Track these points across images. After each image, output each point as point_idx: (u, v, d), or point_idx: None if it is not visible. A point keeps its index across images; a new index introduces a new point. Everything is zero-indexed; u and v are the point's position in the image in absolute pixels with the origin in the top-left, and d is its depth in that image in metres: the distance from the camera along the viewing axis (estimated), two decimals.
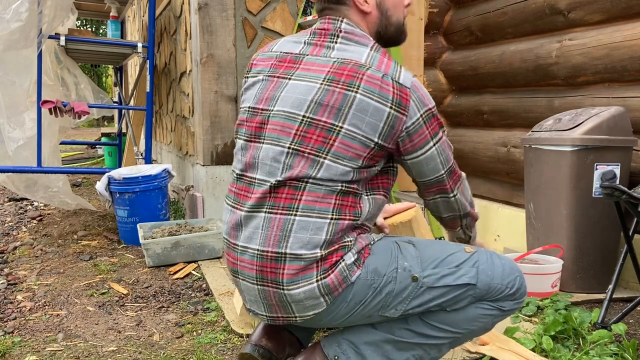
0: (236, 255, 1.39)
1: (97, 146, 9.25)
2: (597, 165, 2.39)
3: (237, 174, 1.44)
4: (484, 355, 1.81)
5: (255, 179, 1.37)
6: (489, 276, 1.38)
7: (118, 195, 3.43)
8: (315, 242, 1.30)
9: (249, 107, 1.44)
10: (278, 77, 1.41)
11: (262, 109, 1.40)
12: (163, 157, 5.58)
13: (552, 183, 2.48)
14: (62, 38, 3.85)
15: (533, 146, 2.58)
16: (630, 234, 2.15)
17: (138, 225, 3.24)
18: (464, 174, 1.57)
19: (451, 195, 1.51)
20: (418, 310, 1.37)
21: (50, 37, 3.73)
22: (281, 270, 1.31)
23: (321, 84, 1.34)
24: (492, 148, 3.40)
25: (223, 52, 3.51)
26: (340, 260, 1.32)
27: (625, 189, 1.99)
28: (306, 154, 1.32)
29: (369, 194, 1.41)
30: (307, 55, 1.41)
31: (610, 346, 1.85)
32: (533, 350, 1.85)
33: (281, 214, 1.32)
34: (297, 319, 1.37)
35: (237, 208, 1.41)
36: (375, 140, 1.33)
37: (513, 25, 3.22)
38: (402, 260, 1.37)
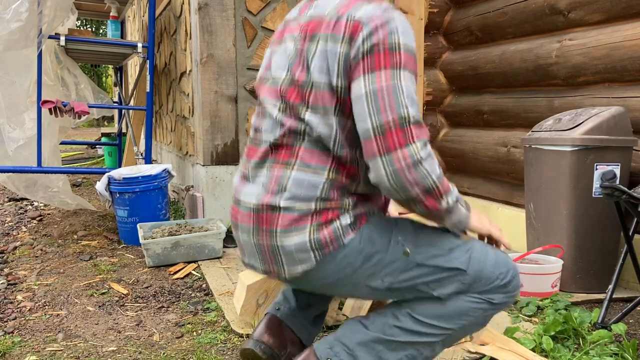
0: (238, 208, 1.44)
1: (97, 146, 9.25)
2: (597, 165, 2.39)
3: (250, 137, 1.50)
4: (484, 355, 1.81)
5: (261, 139, 1.43)
6: (481, 263, 1.36)
7: (118, 195, 3.43)
8: (310, 196, 1.32)
9: (259, 76, 1.53)
10: (277, 44, 1.47)
11: (263, 77, 1.49)
12: (163, 157, 5.58)
13: (552, 183, 2.48)
14: (62, 38, 3.85)
15: (533, 146, 2.58)
16: (630, 234, 2.15)
17: (138, 225, 3.24)
18: (424, 153, 1.23)
19: (378, 159, 1.24)
20: (405, 285, 1.36)
21: (50, 37, 3.73)
22: (276, 220, 1.34)
23: (294, 42, 1.38)
24: (492, 148, 3.40)
25: (223, 52, 3.51)
26: (336, 219, 1.33)
27: (625, 189, 1.99)
28: (292, 113, 1.36)
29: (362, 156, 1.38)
30: (296, 17, 1.45)
31: (610, 346, 1.85)
32: (533, 350, 1.85)
33: (279, 168, 1.37)
34: (286, 274, 1.37)
35: (244, 166, 1.48)
36: (335, 81, 1.29)
37: (513, 25, 3.22)
38: (397, 233, 1.37)
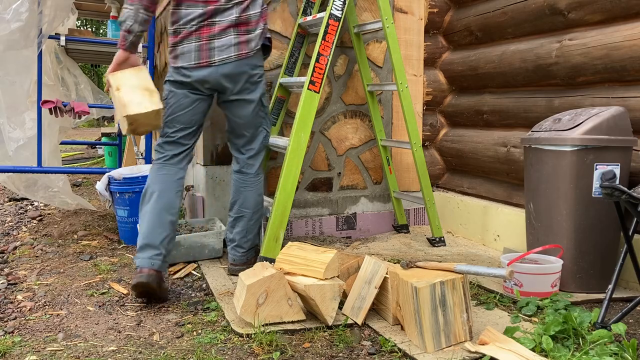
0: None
1: (97, 146, 9.26)
2: (597, 165, 2.40)
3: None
4: (484, 355, 1.81)
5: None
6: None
7: (118, 195, 3.43)
8: None
9: None
10: None
11: None
12: None
13: (552, 183, 2.48)
14: (62, 38, 3.85)
15: (533, 146, 2.58)
16: (630, 234, 2.15)
17: (138, 225, 3.23)
18: None
19: None
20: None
21: (50, 37, 3.73)
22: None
23: None
24: (492, 148, 3.40)
25: None
26: None
27: (625, 189, 1.99)
28: None
29: None
30: None
31: (610, 346, 1.85)
32: (533, 350, 1.85)
33: None
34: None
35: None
36: None
37: (513, 25, 3.22)
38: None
